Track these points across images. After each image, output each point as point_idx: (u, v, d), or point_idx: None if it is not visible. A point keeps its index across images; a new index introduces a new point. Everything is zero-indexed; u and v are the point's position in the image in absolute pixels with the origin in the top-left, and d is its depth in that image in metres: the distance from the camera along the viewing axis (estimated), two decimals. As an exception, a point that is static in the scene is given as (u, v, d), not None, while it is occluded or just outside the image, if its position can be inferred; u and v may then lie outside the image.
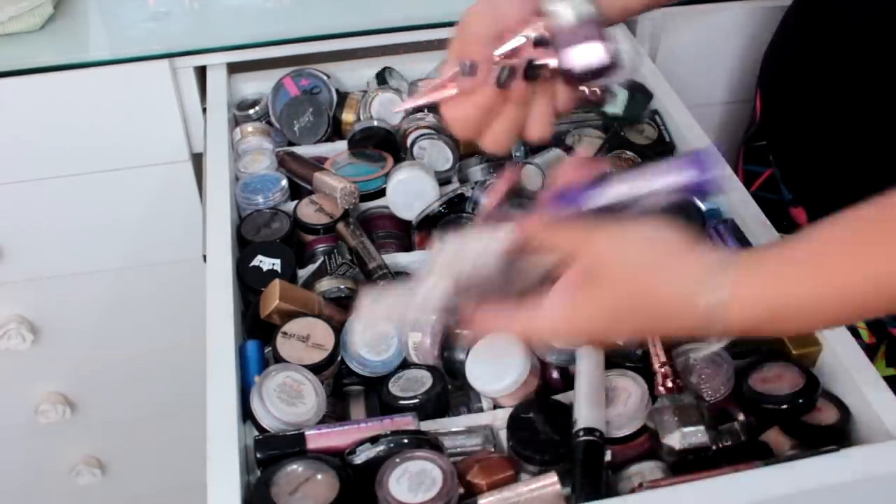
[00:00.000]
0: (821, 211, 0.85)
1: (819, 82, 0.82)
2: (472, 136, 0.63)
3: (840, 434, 0.68)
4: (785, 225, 0.88)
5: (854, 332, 0.78)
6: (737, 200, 0.86)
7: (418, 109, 0.89)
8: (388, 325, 0.61)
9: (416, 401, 0.70)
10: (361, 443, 0.65)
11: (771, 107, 0.91)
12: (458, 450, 0.69)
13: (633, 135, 0.96)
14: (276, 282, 0.76)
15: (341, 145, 1.00)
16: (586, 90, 0.60)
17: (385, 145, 0.96)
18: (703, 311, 0.52)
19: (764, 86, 0.93)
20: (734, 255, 0.54)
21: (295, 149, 0.99)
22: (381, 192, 0.91)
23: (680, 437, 0.65)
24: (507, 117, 0.62)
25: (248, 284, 0.80)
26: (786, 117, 0.88)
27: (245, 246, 0.84)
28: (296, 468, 0.63)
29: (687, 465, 0.66)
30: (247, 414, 0.68)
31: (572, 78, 0.59)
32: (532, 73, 0.59)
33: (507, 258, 0.58)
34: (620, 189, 0.58)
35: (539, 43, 0.60)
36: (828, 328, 0.70)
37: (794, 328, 0.58)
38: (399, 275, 0.82)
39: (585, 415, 0.66)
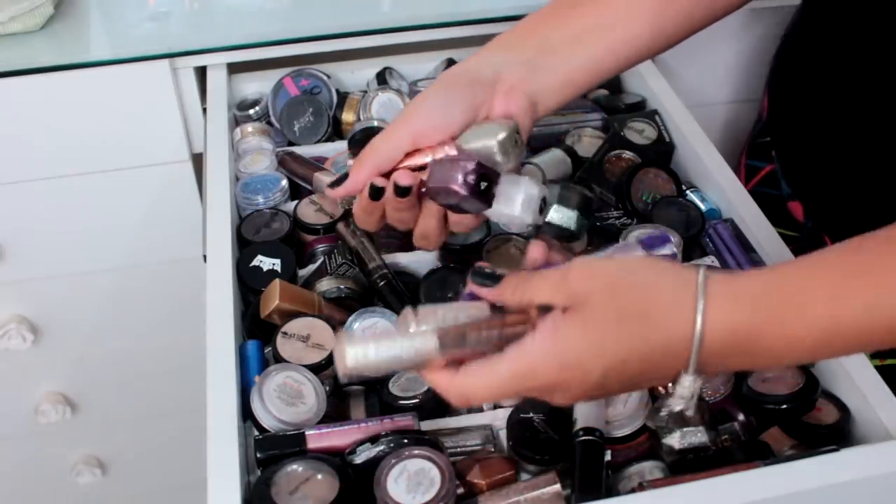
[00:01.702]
0: (817, 205, 0.85)
1: (826, 81, 0.82)
2: (373, 231, 0.69)
3: (840, 434, 0.68)
4: (781, 219, 0.88)
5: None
6: (737, 200, 0.86)
7: None
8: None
9: (416, 401, 0.70)
10: (361, 443, 0.65)
11: (778, 103, 0.91)
12: (458, 449, 0.69)
13: (633, 135, 0.96)
14: (276, 282, 0.76)
15: (341, 145, 1.00)
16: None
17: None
18: (692, 315, 0.50)
19: (772, 84, 0.93)
20: (713, 275, 0.52)
21: (295, 149, 0.99)
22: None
23: (680, 437, 0.65)
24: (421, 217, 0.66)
25: (248, 284, 0.80)
26: (791, 113, 0.88)
27: (245, 246, 0.84)
28: (296, 468, 0.63)
29: (687, 465, 0.66)
30: (247, 414, 0.68)
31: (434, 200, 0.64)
32: (401, 191, 0.63)
33: (490, 332, 0.54)
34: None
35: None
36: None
37: (772, 359, 0.55)
38: (399, 275, 0.82)
39: (585, 414, 0.66)
